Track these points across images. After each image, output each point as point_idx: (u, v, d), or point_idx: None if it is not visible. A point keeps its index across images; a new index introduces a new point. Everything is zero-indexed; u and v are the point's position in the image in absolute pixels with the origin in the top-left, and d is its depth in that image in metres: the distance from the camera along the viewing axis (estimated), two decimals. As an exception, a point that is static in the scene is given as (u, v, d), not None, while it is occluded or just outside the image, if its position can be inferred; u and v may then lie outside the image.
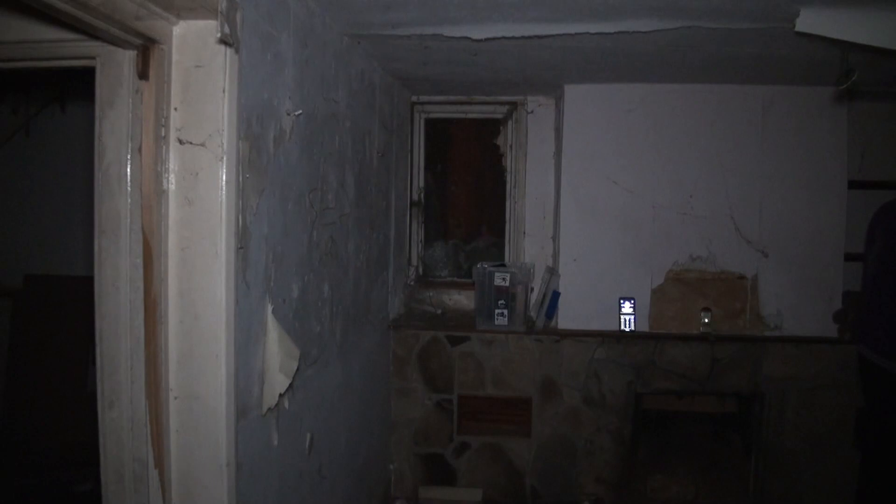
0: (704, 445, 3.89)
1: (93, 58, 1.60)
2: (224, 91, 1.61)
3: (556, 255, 3.84)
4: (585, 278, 3.66)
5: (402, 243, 3.95)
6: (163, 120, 1.59)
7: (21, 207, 4.38)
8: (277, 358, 1.92)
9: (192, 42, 1.61)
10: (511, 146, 4.12)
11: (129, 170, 1.58)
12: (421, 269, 4.23)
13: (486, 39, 2.58)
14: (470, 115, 4.16)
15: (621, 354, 3.59)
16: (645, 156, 3.62)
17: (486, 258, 4.05)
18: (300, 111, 2.11)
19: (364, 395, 3.10)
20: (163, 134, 1.59)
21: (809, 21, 2.22)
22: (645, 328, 3.62)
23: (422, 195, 4.22)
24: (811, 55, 2.75)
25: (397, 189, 3.74)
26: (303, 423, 2.24)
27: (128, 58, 1.57)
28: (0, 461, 3.96)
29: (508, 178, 4.15)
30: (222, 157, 1.62)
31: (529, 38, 2.59)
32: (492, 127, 4.17)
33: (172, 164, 1.62)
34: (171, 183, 1.62)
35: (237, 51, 1.65)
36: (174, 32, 1.61)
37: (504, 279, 3.62)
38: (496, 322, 3.64)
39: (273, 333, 1.92)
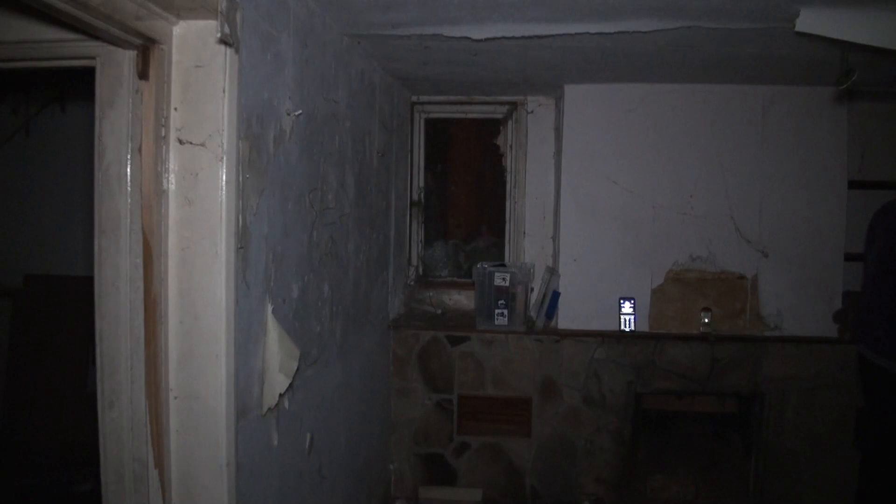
0: (704, 445, 3.89)
1: (93, 58, 1.60)
2: (224, 91, 1.61)
3: (556, 255, 3.84)
4: (585, 278, 3.66)
5: (402, 243, 3.95)
6: (163, 120, 1.59)
7: (21, 207, 4.38)
8: (277, 358, 1.92)
9: (192, 42, 1.61)
10: (511, 146, 4.12)
11: (129, 170, 1.58)
12: (421, 269, 4.23)
13: (486, 39, 2.58)
14: (470, 115, 4.16)
15: (621, 354, 3.59)
16: (645, 156, 3.62)
17: (486, 258, 4.05)
18: (300, 111, 2.11)
19: (364, 395, 3.10)
20: (163, 134, 1.59)
21: (809, 21, 2.22)
22: (645, 328, 3.62)
23: (422, 195, 4.22)
24: (811, 55, 2.75)
25: (397, 189, 3.74)
26: (303, 423, 2.24)
27: (128, 58, 1.57)
28: (0, 461, 3.96)
29: (508, 178, 4.15)
30: (222, 157, 1.62)
31: (529, 38, 2.59)
32: (492, 127, 4.17)
33: (172, 164, 1.62)
34: (171, 183, 1.62)
35: (237, 51, 1.65)
36: (174, 32, 1.61)
37: (504, 279, 3.62)
38: (496, 322, 3.64)
39: (273, 333, 1.92)
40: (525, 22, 2.42)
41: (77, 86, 3.89)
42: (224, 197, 1.63)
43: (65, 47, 1.61)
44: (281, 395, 1.96)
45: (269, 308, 1.92)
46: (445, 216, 4.27)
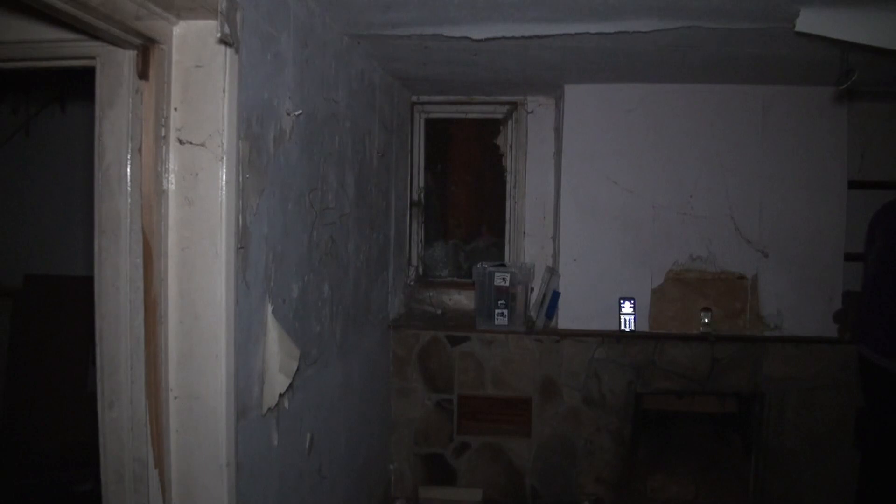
0: (704, 445, 3.89)
1: (93, 58, 1.60)
2: (224, 91, 1.61)
3: (556, 255, 3.84)
4: (585, 278, 3.66)
5: (402, 243, 3.95)
6: (163, 120, 1.59)
7: (21, 207, 4.38)
8: (277, 358, 1.92)
9: (192, 42, 1.61)
10: (511, 146, 4.12)
11: (129, 170, 1.58)
12: (421, 269, 4.23)
13: (486, 39, 2.58)
14: (470, 115, 4.16)
15: (621, 354, 3.59)
16: (645, 156, 3.62)
17: (486, 258, 4.05)
18: (300, 111, 2.11)
19: (364, 395, 3.10)
20: (163, 134, 1.59)
21: (809, 21, 2.22)
22: (645, 328, 3.62)
23: (422, 195, 4.22)
24: (811, 55, 2.75)
25: (397, 189, 3.74)
26: (303, 423, 2.24)
27: (128, 58, 1.57)
28: (0, 461, 3.96)
29: (508, 178, 4.15)
30: (222, 157, 1.62)
31: (529, 38, 2.59)
32: (492, 127, 4.17)
33: (172, 164, 1.62)
34: (171, 183, 1.62)
35: (237, 51, 1.65)
36: (174, 32, 1.61)
37: (504, 279, 3.62)
38: (496, 322, 3.64)
39: (273, 333, 1.92)
40: (525, 22, 2.42)
41: (77, 86, 3.89)
42: (224, 197, 1.63)
43: (65, 47, 1.61)
44: (281, 395, 1.96)
45: (269, 308, 1.92)
46: (445, 216, 4.27)
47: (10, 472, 3.81)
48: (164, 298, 1.62)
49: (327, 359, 2.50)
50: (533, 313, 3.78)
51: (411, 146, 4.14)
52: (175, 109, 1.61)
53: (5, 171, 4.36)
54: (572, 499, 3.65)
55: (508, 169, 4.14)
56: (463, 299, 4.12)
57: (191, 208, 1.63)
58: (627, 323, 3.60)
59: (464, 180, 4.25)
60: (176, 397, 1.65)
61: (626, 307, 3.61)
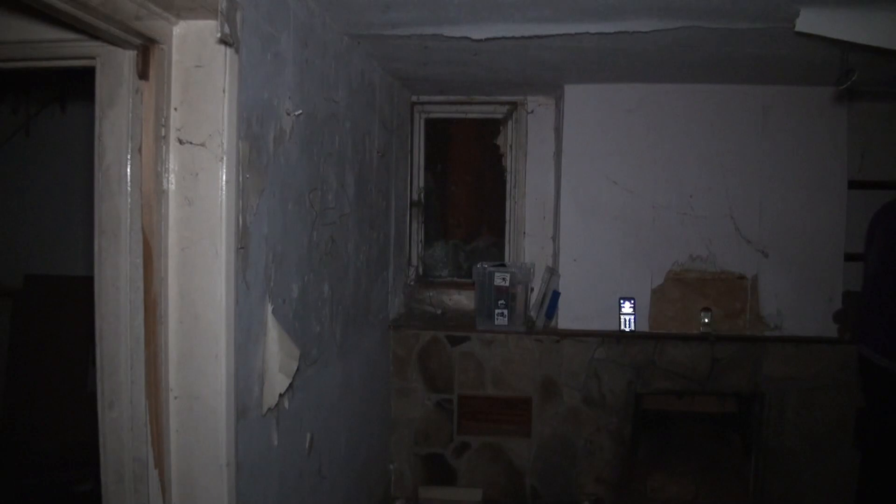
0: (704, 445, 3.89)
1: (93, 58, 1.60)
2: (224, 91, 1.61)
3: (556, 255, 3.84)
4: (585, 278, 3.66)
5: (402, 243, 3.95)
6: (163, 120, 1.59)
7: (21, 207, 4.38)
8: (277, 358, 1.92)
9: (192, 42, 1.61)
10: (511, 146, 4.12)
11: (129, 170, 1.58)
12: (421, 269, 4.23)
13: (486, 39, 2.58)
14: (470, 115, 4.16)
15: (621, 354, 3.59)
16: (645, 156, 3.62)
17: (486, 258, 4.05)
18: (300, 111, 2.11)
19: (364, 395, 3.10)
20: (163, 134, 1.59)
21: (809, 21, 2.23)
22: (645, 328, 3.62)
23: (422, 195, 4.22)
24: (811, 55, 2.75)
25: (397, 189, 3.74)
26: (303, 423, 2.24)
27: (128, 58, 1.57)
28: (0, 461, 3.96)
29: (508, 178, 4.15)
30: (222, 157, 1.62)
31: (529, 38, 2.59)
32: (492, 127, 4.17)
33: (172, 164, 1.62)
34: (171, 183, 1.62)
35: (237, 51, 1.65)
36: (174, 32, 1.61)
37: (504, 279, 3.62)
38: (496, 322, 3.64)
39: (273, 333, 1.92)
40: (525, 22, 2.42)
41: (77, 86, 3.89)
42: (224, 197, 1.63)
43: (65, 47, 1.61)
44: (281, 395, 1.96)
45: (269, 308, 1.92)
46: (445, 216, 4.27)
47: (10, 472, 3.81)
48: (164, 298, 1.62)
49: (327, 359, 2.50)
50: (533, 313, 3.78)
51: (411, 146, 4.14)
52: (175, 109, 1.61)
53: (5, 171, 4.36)
54: (572, 499, 3.65)
55: (508, 169, 4.14)
56: (463, 299, 4.12)
57: (191, 208, 1.63)
58: (627, 323, 3.60)
59: (464, 180, 4.25)
60: (176, 397, 1.65)
61: (626, 307, 3.61)
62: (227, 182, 1.63)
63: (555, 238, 3.92)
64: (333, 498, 2.62)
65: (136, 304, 1.59)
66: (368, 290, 3.13)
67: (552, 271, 3.79)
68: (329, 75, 2.43)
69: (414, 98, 4.08)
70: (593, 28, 2.44)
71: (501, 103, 4.09)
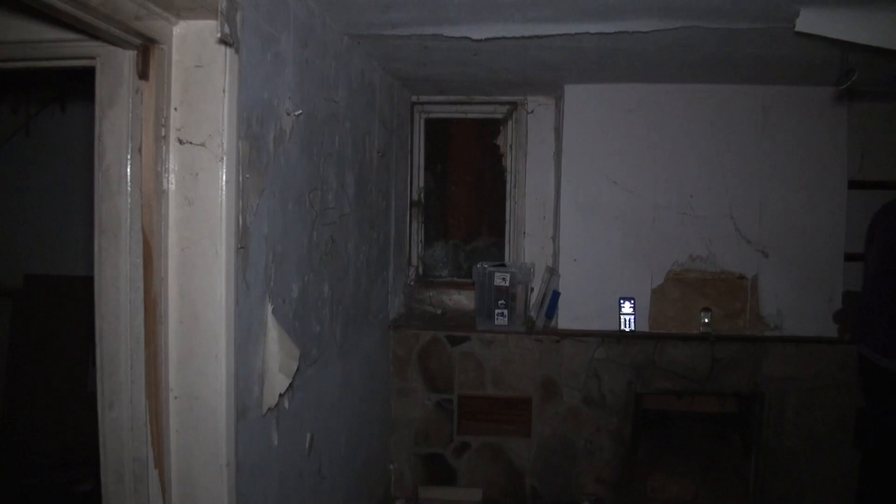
0: (704, 445, 3.89)
1: (93, 58, 1.60)
2: (224, 91, 1.61)
3: (556, 255, 3.84)
4: (585, 278, 3.66)
5: (402, 243, 3.95)
6: (163, 120, 1.59)
7: (21, 207, 4.38)
8: (277, 358, 1.92)
9: (192, 42, 1.61)
10: (511, 146, 4.12)
11: (129, 170, 1.58)
12: (421, 269, 4.23)
13: (486, 39, 2.58)
14: (470, 115, 4.16)
15: (621, 354, 3.59)
16: (645, 156, 3.62)
17: (486, 258, 4.05)
18: (300, 111, 2.11)
19: (364, 395, 3.10)
20: (163, 134, 1.59)
21: (809, 21, 2.23)
22: (645, 328, 3.62)
23: (422, 195, 4.22)
24: (811, 55, 2.75)
25: (397, 189, 3.74)
26: (303, 423, 2.24)
27: (128, 58, 1.57)
28: (0, 461, 3.96)
29: (508, 178, 4.15)
30: (222, 157, 1.62)
31: (529, 38, 2.59)
32: (492, 127, 4.17)
33: (172, 164, 1.62)
34: (171, 183, 1.62)
35: (237, 51, 1.65)
36: (174, 32, 1.61)
37: (504, 279, 3.62)
38: (496, 322, 3.64)
39: (273, 333, 1.92)
40: (525, 22, 2.42)
41: (77, 86, 3.89)
42: (224, 197, 1.63)
43: (65, 47, 1.61)
44: (281, 395, 1.96)
45: (269, 308, 1.92)
46: (445, 216, 4.27)
47: (10, 472, 3.81)
48: (164, 298, 1.62)
49: (327, 359, 2.50)
50: (533, 313, 3.78)
51: (411, 146, 4.14)
52: (175, 109, 1.61)
53: (5, 171, 4.36)
54: (572, 499, 3.65)
55: (508, 169, 4.14)
56: (463, 299, 4.12)
57: (191, 208, 1.63)
58: (627, 323, 3.60)
59: (464, 180, 4.25)
60: (176, 397, 1.65)
61: (626, 307, 3.61)
62: (227, 182, 1.63)
63: (555, 238, 3.92)
64: (333, 498, 2.62)
65: (136, 304, 1.59)
66: (368, 290, 3.13)
67: (552, 271, 3.79)
68: (329, 75, 2.43)
69: (414, 98, 4.08)
70: (593, 28, 2.44)
71: (501, 103, 4.09)
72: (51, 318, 4.28)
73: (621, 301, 3.61)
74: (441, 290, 4.16)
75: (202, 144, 1.61)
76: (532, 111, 4.05)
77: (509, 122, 4.11)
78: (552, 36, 2.56)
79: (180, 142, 1.62)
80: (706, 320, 3.57)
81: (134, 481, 1.61)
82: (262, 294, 1.89)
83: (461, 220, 4.26)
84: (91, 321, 1.62)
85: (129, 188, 1.58)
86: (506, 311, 3.63)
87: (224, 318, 1.65)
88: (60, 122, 4.30)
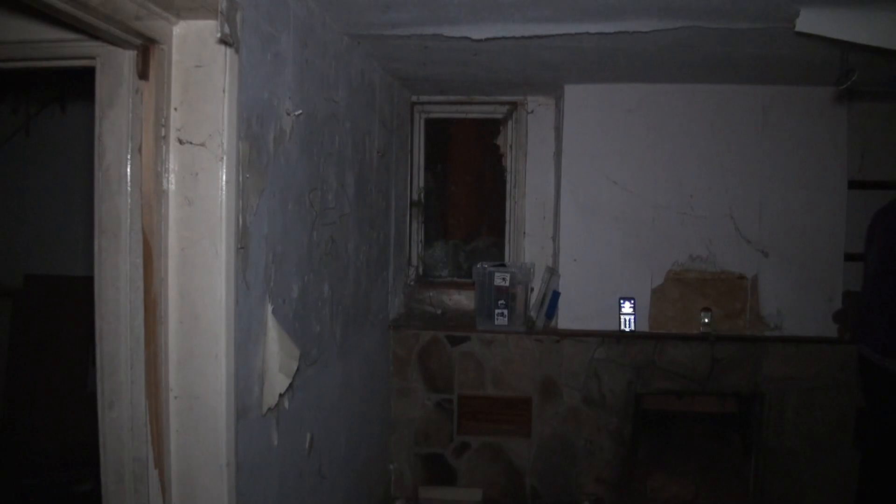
0: (704, 445, 3.89)
1: (93, 58, 1.60)
2: (224, 91, 1.61)
3: (556, 255, 3.84)
4: (585, 278, 3.66)
5: (402, 243, 3.95)
6: (163, 120, 1.59)
7: (21, 207, 4.38)
8: (277, 358, 1.92)
9: (192, 42, 1.61)
10: (511, 146, 4.12)
11: (129, 170, 1.58)
12: (421, 269, 4.23)
13: (486, 39, 2.58)
14: (470, 115, 4.16)
15: (621, 354, 3.59)
16: (645, 156, 3.62)
17: (486, 258, 4.05)
18: (300, 111, 2.11)
19: (364, 395, 3.10)
20: (163, 134, 1.59)
21: (809, 21, 2.23)
22: (645, 328, 3.62)
23: (422, 195, 4.22)
24: (811, 55, 2.75)
25: (397, 189, 3.74)
26: (303, 423, 2.24)
27: (128, 58, 1.57)
28: (0, 461, 3.96)
29: (508, 178, 4.15)
30: (222, 157, 1.62)
31: (529, 38, 2.59)
32: (492, 127, 4.17)
33: (172, 164, 1.62)
34: (171, 183, 1.62)
35: (237, 51, 1.65)
36: (174, 32, 1.61)
37: (504, 279, 3.62)
38: (496, 322, 3.64)
39: (273, 333, 1.92)
40: (525, 22, 2.42)
41: (77, 86, 3.89)
42: (224, 197, 1.63)
43: (65, 47, 1.61)
44: (281, 395, 1.96)
45: (269, 308, 1.92)
46: (445, 216, 4.27)
47: (10, 472, 3.81)
48: (164, 298, 1.62)
49: (327, 359, 2.50)
50: (533, 313, 3.78)
51: (411, 146, 4.14)
52: (175, 109, 1.61)
53: (5, 171, 4.36)
54: (572, 499, 3.65)
55: (508, 169, 4.14)
56: (463, 299, 4.12)
57: (191, 208, 1.63)
58: (627, 323, 3.60)
59: (464, 180, 4.25)
60: (176, 397, 1.65)
61: (626, 307, 3.61)
62: (227, 182, 1.63)
63: (555, 238, 3.92)
64: (333, 498, 2.62)
65: (136, 304, 1.59)
66: (368, 290, 3.13)
67: (552, 271, 3.79)
68: (329, 75, 2.43)
69: (414, 98, 4.08)
70: (593, 28, 2.44)
71: (501, 103, 4.09)
72: (51, 318, 4.28)
73: (621, 301, 3.61)
74: (441, 290, 4.16)
75: (202, 144, 1.61)
76: (532, 111, 4.05)
77: (509, 122, 4.11)
78: (552, 36, 2.56)
79: (180, 142, 1.62)
80: (706, 320, 3.57)
81: (134, 481, 1.61)
82: (262, 294, 1.89)
83: (461, 220, 4.26)
84: (91, 321, 1.62)
85: (129, 188, 1.58)
86: (506, 311, 3.63)
87: (224, 318, 1.65)
88: (60, 122, 4.30)
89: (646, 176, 3.62)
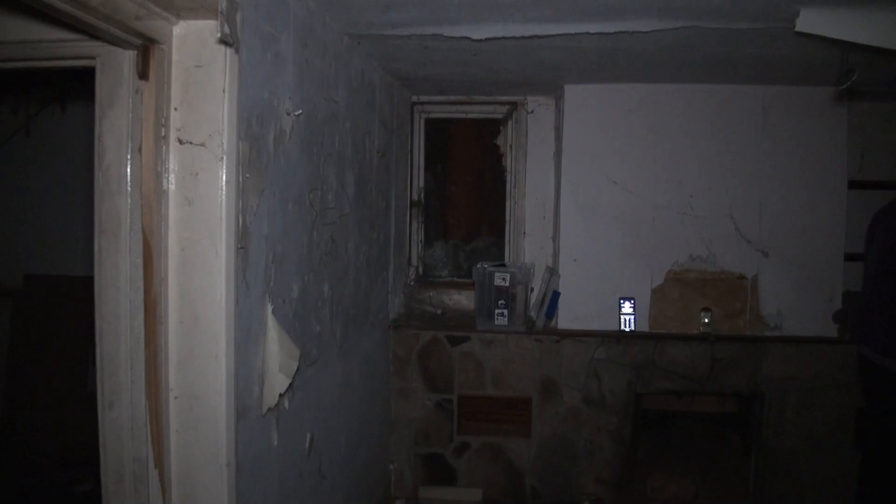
0: (704, 445, 3.89)
1: (93, 58, 1.60)
2: (224, 91, 1.61)
3: (556, 255, 3.84)
4: (585, 278, 3.66)
5: (402, 243, 3.95)
6: (163, 120, 1.59)
7: (21, 207, 4.38)
8: (277, 358, 1.92)
9: (192, 42, 1.61)
10: (511, 146, 4.12)
11: (129, 170, 1.58)
12: (421, 269, 4.23)
13: (486, 39, 2.58)
14: (470, 115, 4.16)
15: (621, 354, 3.59)
16: (645, 156, 3.62)
17: (486, 258, 4.05)
18: (300, 111, 2.11)
19: (364, 395, 3.10)
20: (163, 134, 1.59)
21: (809, 21, 2.23)
22: (645, 328, 3.62)
23: (422, 195, 4.22)
24: (811, 55, 2.75)
25: (397, 189, 3.74)
26: (303, 423, 2.24)
27: (128, 58, 1.57)
28: (0, 461, 3.96)
29: (508, 178, 4.15)
30: (222, 157, 1.62)
31: (529, 38, 2.59)
32: (492, 127, 4.17)
33: (172, 164, 1.62)
34: (171, 183, 1.62)
35: (237, 51, 1.65)
36: (174, 32, 1.61)
37: (504, 279, 3.62)
38: (496, 322, 3.64)
39: (273, 333, 1.92)
40: (525, 22, 2.42)
41: (77, 86, 3.89)
42: (224, 197, 1.63)
43: (65, 47, 1.61)
44: (281, 395, 1.96)
45: (269, 308, 1.92)
46: (445, 216, 4.27)
47: (10, 472, 3.81)
48: (164, 298, 1.62)
49: (327, 359, 2.50)
50: (533, 313, 3.78)
51: (411, 146, 4.14)
52: (175, 109, 1.61)
53: (5, 171, 4.36)
54: (572, 499, 3.65)
55: (508, 169, 4.14)
56: (463, 299, 4.12)
57: (191, 208, 1.63)
58: (627, 323, 3.60)
59: (464, 180, 4.25)
60: (176, 397, 1.65)
61: (626, 307, 3.61)
62: (227, 182, 1.63)
63: (555, 238, 3.92)
64: (333, 498, 2.62)
65: (136, 304, 1.59)
66: (368, 290, 3.13)
67: (552, 271, 3.79)
68: (329, 75, 2.43)
69: (414, 98, 4.08)
70: (593, 28, 2.44)
71: (501, 103, 4.09)
72: (51, 318, 4.28)
73: (621, 301, 3.61)
74: (441, 290, 4.16)
75: (202, 144, 1.61)
76: (532, 111, 4.05)
77: (509, 122, 4.11)
78: (552, 36, 2.56)
79: (180, 142, 1.62)
80: (706, 320, 3.57)
81: (134, 481, 1.61)
82: (262, 294, 1.89)
83: (461, 220, 4.26)
84: (91, 321, 1.62)
85: (129, 188, 1.58)
86: (506, 311, 3.63)
87: (224, 318, 1.65)
88: (60, 122, 4.30)
89: (646, 176, 3.62)
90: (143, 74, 1.56)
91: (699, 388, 3.60)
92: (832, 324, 3.55)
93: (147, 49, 1.55)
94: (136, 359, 1.60)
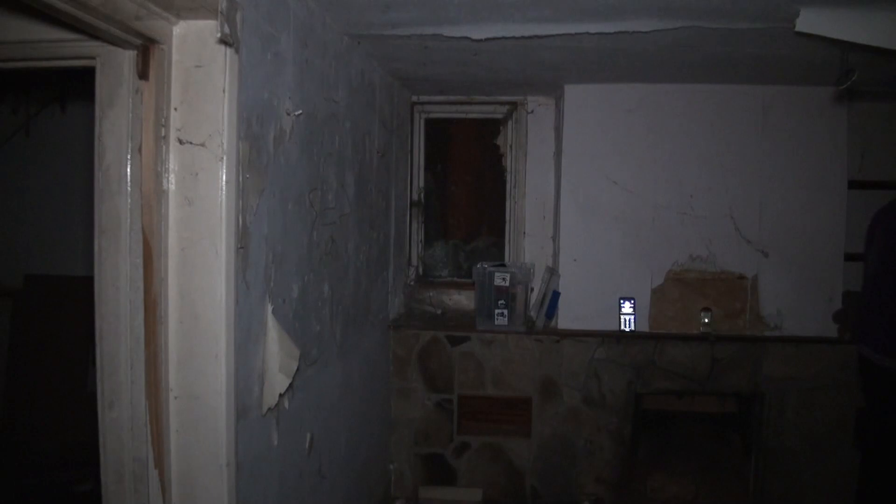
0: (704, 445, 3.89)
1: (93, 58, 1.60)
2: (224, 91, 1.61)
3: (556, 255, 3.84)
4: (585, 278, 3.66)
5: (402, 243, 3.95)
6: (163, 120, 1.59)
7: (21, 207, 4.38)
8: (277, 358, 1.92)
9: (192, 42, 1.61)
10: (511, 146, 4.12)
11: (129, 170, 1.58)
12: (421, 269, 4.23)
13: (486, 39, 2.58)
14: (470, 115, 4.16)
15: (621, 354, 3.59)
16: (645, 156, 3.62)
17: (486, 258, 4.05)
18: (300, 111, 2.11)
19: (364, 395, 3.10)
20: (163, 134, 1.59)
21: (809, 21, 2.23)
22: (645, 328, 3.62)
23: (422, 195, 4.22)
24: (811, 55, 2.75)
25: (397, 189, 3.74)
26: (303, 423, 2.24)
27: (128, 58, 1.57)
28: (0, 461, 3.96)
29: (508, 178, 4.15)
30: (222, 157, 1.62)
31: (529, 38, 2.59)
32: (492, 127, 4.17)
33: (172, 164, 1.62)
34: (171, 183, 1.62)
35: (237, 51, 1.65)
36: (174, 32, 1.61)
37: (504, 279, 3.62)
38: (496, 322, 3.64)
39: (273, 333, 1.92)
40: (525, 22, 2.42)
41: (77, 86, 3.89)
42: (224, 197, 1.63)
43: (65, 47, 1.61)
44: (281, 395, 1.96)
45: (269, 308, 1.92)
46: (445, 216, 4.27)
47: (10, 472, 3.81)
48: (164, 298, 1.62)
49: (327, 359, 2.50)
50: (533, 313, 3.78)
51: (411, 146, 4.14)
52: (175, 109, 1.61)
53: (5, 171, 4.36)
54: (572, 499, 3.65)
55: (508, 169, 4.14)
56: (463, 299, 4.12)
57: (191, 208, 1.63)
58: (627, 323, 3.60)
59: (464, 180, 4.25)
60: (176, 397, 1.65)
61: (626, 307, 3.61)
62: (227, 182, 1.63)
63: (555, 238, 3.92)
64: (333, 498, 2.62)
65: (136, 304, 1.59)
66: (368, 290, 3.13)
67: (552, 271, 3.79)
68: (329, 75, 2.43)
69: (414, 98, 4.08)
70: (593, 28, 2.44)
71: (501, 103, 4.09)
72: (51, 318, 4.28)
73: (621, 301, 3.61)
74: (441, 290, 4.16)
75: (202, 144, 1.62)
76: (532, 111, 4.05)
77: (509, 122, 4.11)
78: (552, 36, 2.56)
79: (180, 142, 1.62)
80: (706, 320, 3.57)
81: (134, 481, 1.61)
82: (262, 294, 1.89)
83: (461, 220, 4.26)
84: (91, 321, 1.62)
85: (129, 188, 1.58)
86: (506, 311, 3.63)
87: (224, 318, 1.65)
88: (60, 122, 4.30)
89: (646, 176, 3.62)
90: (143, 74, 1.56)
91: (699, 388, 3.60)
92: (832, 324, 3.55)
93: (147, 49, 1.55)
94: (136, 359, 1.60)
